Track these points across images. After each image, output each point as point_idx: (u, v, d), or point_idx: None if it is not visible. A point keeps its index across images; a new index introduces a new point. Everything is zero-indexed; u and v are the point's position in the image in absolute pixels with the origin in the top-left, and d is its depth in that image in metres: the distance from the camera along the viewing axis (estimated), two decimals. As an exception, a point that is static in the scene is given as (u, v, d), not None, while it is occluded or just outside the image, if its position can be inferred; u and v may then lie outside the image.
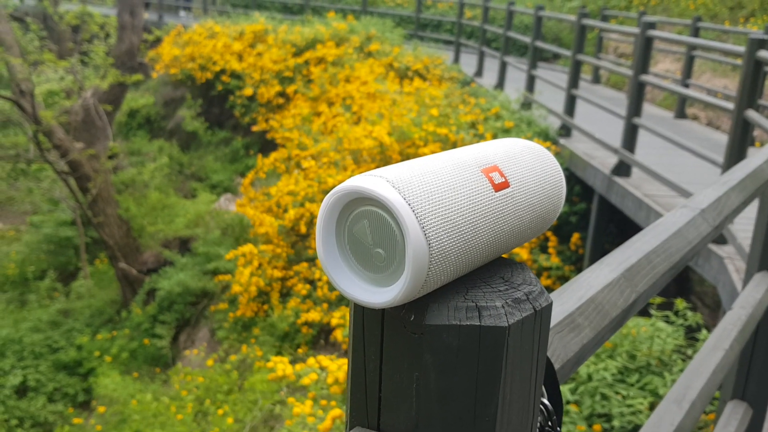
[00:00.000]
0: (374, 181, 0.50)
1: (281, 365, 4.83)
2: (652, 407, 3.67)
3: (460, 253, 0.52)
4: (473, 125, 8.17)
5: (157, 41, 12.83)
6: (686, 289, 6.30)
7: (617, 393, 3.73)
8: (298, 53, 11.49)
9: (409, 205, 0.48)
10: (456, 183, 0.53)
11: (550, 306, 0.57)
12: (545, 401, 0.66)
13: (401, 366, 0.54)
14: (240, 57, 11.92)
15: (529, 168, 0.61)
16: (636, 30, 6.39)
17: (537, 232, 0.63)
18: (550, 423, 0.66)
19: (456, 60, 12.24)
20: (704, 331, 4.21)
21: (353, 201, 0.52)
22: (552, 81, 8.54)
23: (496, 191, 0.56)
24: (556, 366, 0.71)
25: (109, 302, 9.52)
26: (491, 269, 0.59)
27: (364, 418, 0.57)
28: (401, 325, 0.53)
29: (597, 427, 3.55)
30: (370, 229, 0.51)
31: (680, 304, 4.38)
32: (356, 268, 0.53)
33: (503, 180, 0.57)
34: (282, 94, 11.10)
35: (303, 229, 7.22)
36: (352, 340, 0.57)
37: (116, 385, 7.11)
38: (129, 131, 12.59)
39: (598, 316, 0.81)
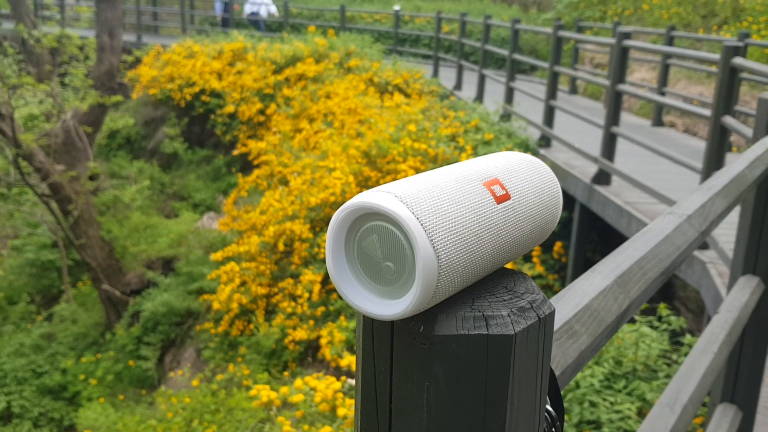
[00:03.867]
0: (383, 197, 0.51)
1: (264, 392, 4.79)
2: (639, 412, 3.70)
3: (467, 264, 0.53)
4: (453, 138, 8.22)
5: (137, 62, 12.80)
6: (669, 294, 6.36)
7: (605, 399, 3.76)
8: (278, 70, 11.52)
9: (418, 219, 0.50)
10: (460, 197, 0.55)
11: (552, 313, 0.59)
12: (549, 408, 0.67)
13: (411, 376, 0.55)
14: (219, 76, 11.93)
15: (527, 180, 0.63)
16: (612, 40, 6.49)
17: (537, 241, 0.65)
18: (554, 429, 0.68)
19: (435, 74, 12.33)
20: (688, 336, 4.25)
21: (362, 216, 0.53)
22: (530, 92, 8.63)
23: (498, 203, 0.58)
24: (557, 372, 0.73)
25: (92, 325, 9.43)
26: (494, 279, 0.61)
27: (375, 429, 0.58)
28: (411, 336, 0.54)
29: (587, 434, 3.57)
30: (380, 244, 0.52)
31: (663, 309, 4.43)
32: (366, 281, 0.54)
33: (504, 192, 0.59)
34: (263, 111, 11.11)
35: (281, 246, 7.21)
36: (362, 352, 0.58)
37: (98, 415, 7.03)
38: (109, 152, 12.53)
39: (594, 322, 0.83)
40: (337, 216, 0.53)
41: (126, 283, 9.80)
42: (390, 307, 0.53)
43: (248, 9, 17.07)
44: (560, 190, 0.68)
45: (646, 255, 1.02)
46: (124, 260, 10.04)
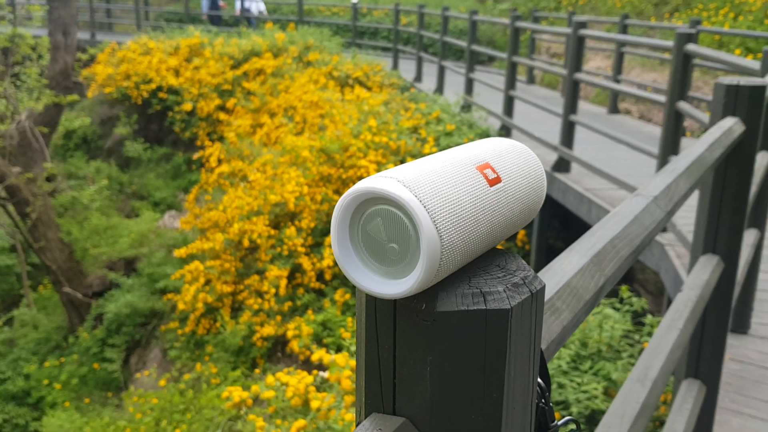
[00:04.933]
0: (387, 182, 0.54)
1: (237, 392, 4.78)
2: (606, 392, 3.80)
3: (465, 244, 0.57)
4: (415, 130, 8.27)
5: (91, 60, 12.57)
6: (629, 276, 6.51)
7: (572, 380, 3.85)
8: (236, 65, 11.43)
9: (421, 202, 0.53)
10: (457, 180, 0.58)
11: (543, 289, 0.62)
12: (538, 379, 0.71)
13: (415, 352, 0.58)
14: (176, 72, 11.78)
15: (515, 163, 0.67)
16: (568, 30, 6.60)
17: (524, 222, 0.68)
18: (543, 400, 0.72)
19: (395, 66, 12.37)
20: (649, 316, 4.37)
21: (366, 201, 0.56)
22: (489, 83, 8.72)
23: (490, 186, 0.61)
24: (543, 347, 0.77)
25: (55, 328, 9.27)
26: (487, 259, 0.64)
27: (380, 404, 0.61)
28: (413, 314, 0.57)
29: (556, 415, 3.65)
30: (384, 227, 0.55)
31: (625, 291, 4.55)
32: (370, 263, 0.57)
33: (496, 176, 0.62)
34: (222, 107, 11.02)
35: (246, 243, 7.19)
36: (365, 331, 0.61)
37: (63, 421, 6.93)
38: (66, 152, 12.29)
39: (574, 299, 0.87)
40: (341, 202, 0.56)
41: (88, 285, 9.66)
42: (395, 287, 0.55)
43: (247, 5, 16.27)
44: (544, 174, 0.72)
45: (618, 235, 1.07)
46: (84, 262, 9.88)
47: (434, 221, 0.53)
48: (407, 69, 12.50)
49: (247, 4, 16.22)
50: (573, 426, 0.78)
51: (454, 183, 0.57)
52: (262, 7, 16.55)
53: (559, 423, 0.74)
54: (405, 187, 0.53)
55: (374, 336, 0.60)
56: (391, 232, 0.55)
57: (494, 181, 0.61)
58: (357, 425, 0.63)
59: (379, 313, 0.59)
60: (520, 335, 0.59)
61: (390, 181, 0.54)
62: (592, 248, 0.99)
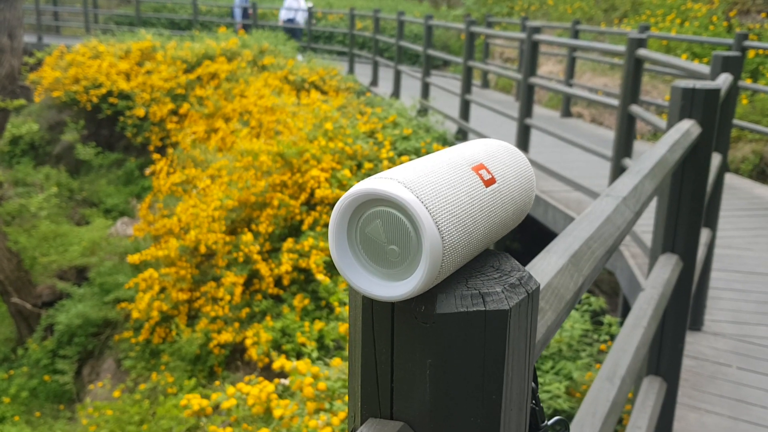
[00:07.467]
0: (387, 183, 0.53)
1: (195, 400, 4.70)
2: (568, 391, 3.85)
3: (464, 244, 0.56)
4: (372, 134, 8.27)
5: (38, 64, 12.25)
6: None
7: (535, 382, 3.89)
8: (189, 69, 11.27)
9: (423, 203, 0.52)
10: (455, 181, 0.57)
11: (538, 289, 0.62)
12: (529, 380, 0.71)
13: (413, 355, 0.57)
14: (128, 76, 11.56)
15: (507, 164, 0.67)
16: (522, 35, 6.69)
17: (516, 222, 0.69)
18: (534, 400, 0.72)
19: (351, 70, 12.36)
20: (607, 316, 4.45)
21: (364, 203, 0.55)
22: (445, 87, 8.78)
23: (486, 187, 0.61)
24: (529, 348, 0.77)
25: (3, 340, 8.99)
26: (481, 260, 0.64)
27: (377, 409, 0.60)
28: (412, 317, 0.56)
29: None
30: (384, 228, 0.54)
31: (583, 292, 4.61)
32: (369, 265, 0.56)
33: (491, 177, 0.62)
34: (175, 112, 10.85)
35: (203, 249, 7.08)
36: (361, 335, 0.60)
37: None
38: (12, 159, 11.92)
39: (555, 299, 0.87)
40: (340, 204, 0.55)
41: (37, 295, 9.39)
42: (395, 289, 0.55)
43: (284, 15, 14.69)
44: (533, 175, 0.72)
45: (592, 235, 1.08)
46: (33, 271, 9.60)
47: (436, 222, 0.52)
48: (363, 73, 12.51)
49: (291, 14, 14.63)
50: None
51: (452, 184, 0.57)
52: (305, 14, 14.91)
53: (549, 423, 0.74)
54: (406, 188, 0.53)
55: (371, 339, 0.59)
56: (391, 234, 0.54)
57: (489, 182, 0.61)
58: (352, 431, 0.62)
59: (376, 316, 0.58)
60: (517, 336, 0.59)
61: (391, 182, 0.53)
62: (569, 249, 1.00)
